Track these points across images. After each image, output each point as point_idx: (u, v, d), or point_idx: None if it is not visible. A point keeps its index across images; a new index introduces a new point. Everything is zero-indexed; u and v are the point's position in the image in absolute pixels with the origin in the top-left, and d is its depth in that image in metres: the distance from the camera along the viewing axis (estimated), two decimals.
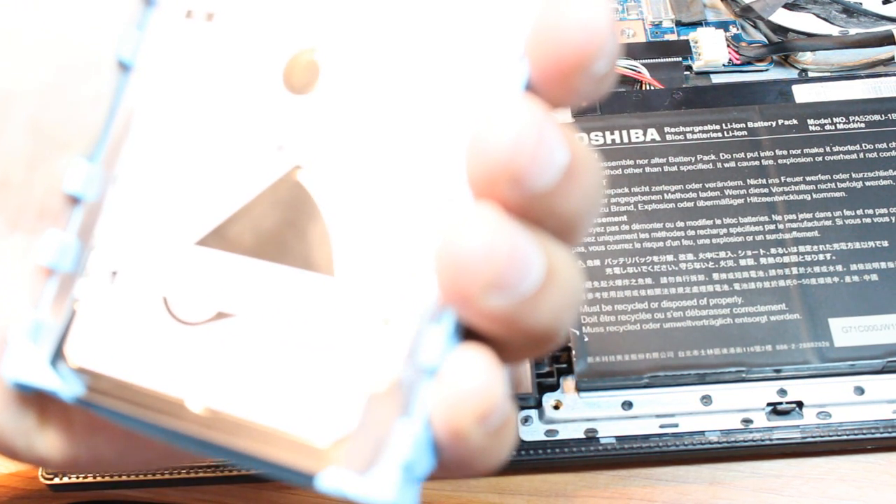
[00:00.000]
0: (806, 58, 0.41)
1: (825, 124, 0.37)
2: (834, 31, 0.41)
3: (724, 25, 0.42)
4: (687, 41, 0.42)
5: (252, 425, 0.17)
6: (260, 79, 0.19)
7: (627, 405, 0.33)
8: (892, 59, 0.41)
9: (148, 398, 0.18)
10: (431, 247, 0.16)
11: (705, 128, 0.37)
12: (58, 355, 0.19)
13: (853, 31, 0.41)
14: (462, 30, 0.17)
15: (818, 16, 0.42)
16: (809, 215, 0.35)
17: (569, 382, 0.33)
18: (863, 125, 0.37)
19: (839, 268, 0.34)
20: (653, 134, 0.37)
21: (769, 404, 0.32)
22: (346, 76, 0.18)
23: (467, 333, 0.17)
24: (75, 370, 0.19)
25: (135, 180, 0.20)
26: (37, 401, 0.20)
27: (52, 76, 0.20)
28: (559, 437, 0.32)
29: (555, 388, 0.33)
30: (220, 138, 0.19)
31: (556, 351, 0.33)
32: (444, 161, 0.17)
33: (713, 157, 0.36)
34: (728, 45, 0.41)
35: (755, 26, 0.42)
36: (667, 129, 0.37)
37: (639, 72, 0.40)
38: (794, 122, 0.37)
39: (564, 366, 0.33)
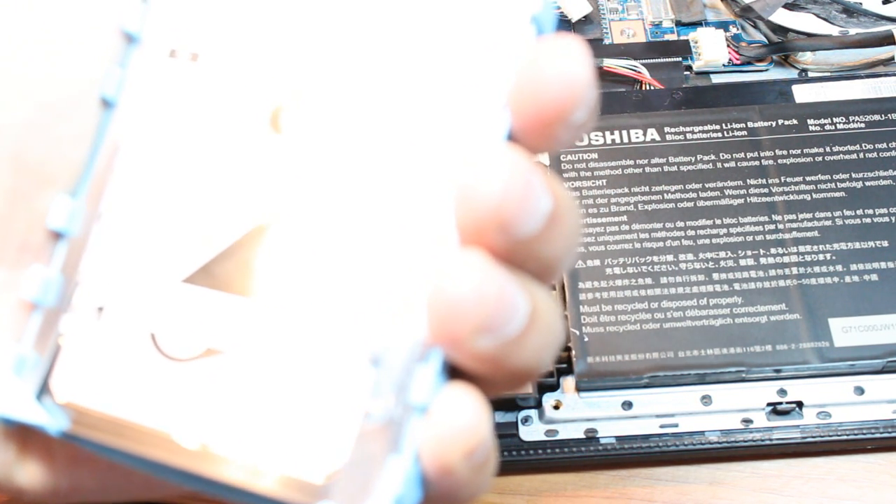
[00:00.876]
0: (806, 58, 0.41)
1: (825, 124, 0.37)
2: (834, 31, 0.41)
3: (724, 25, 0.42)
4: (687, 41, 0.42)
5: (241, 460, 0.17)
6: (245, 119, 0.19)
7: (627, 405, 0.33)
8: (892, 59, 0.41)
9: (136, 433, 0.18)
10: (418, 287, 0.17)
11: (705, 128, 0.37)
12: (43, 390, 0.19)
13: (853, 31, 0.41)
14: (446, 79, 0.18)
15: (818, 16, 0.42)
16: (809, 215, 0.35)
17: (569, 382, 0.33)
18: (863, 125, 0.37)
19: (839, 268, 0.34)
20: (653, 134, 0.37)
21: (769, 404, 0.32)
22: (333, 118, 0.18)
23: (452, 370, 0.17)
24: (61, 405, 0.19)
25: (120, 217, 0.20)
26: (18, 433, 0.20)
27: (34, 113, 0.20)
28: (559, 437, 0.32)
29: (555, 388, 0.33)
30: (204, 177, 0.19)
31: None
32: (430, 206, 0.17)
33: (713, 157, 0.36)
34: (728, 45, 0.41)
35: (755, 26, 0.42)
36: (667, 129, 0.37)
37: (639, 72, 0.40)
38: (794, 122, 0.37)
39: (564, 366, 0.33)
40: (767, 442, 0.32)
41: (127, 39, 0.20)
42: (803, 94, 0.38)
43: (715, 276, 0.34)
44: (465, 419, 0.16)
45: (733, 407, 0.32)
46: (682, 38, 0.42)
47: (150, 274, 0.19)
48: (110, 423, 0.18)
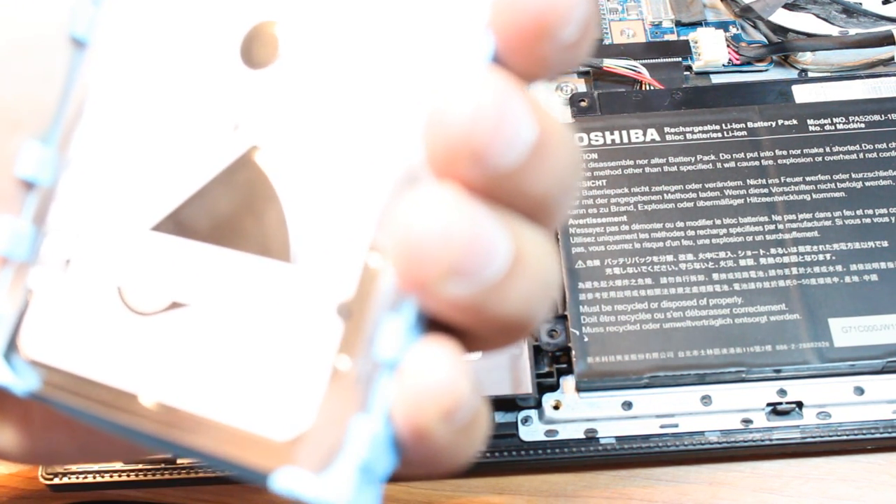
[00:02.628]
0: (806, 58, 0.41)
1: (825, 124, 0.37)
2: (834, 31, 0.41)
3: (724, 25, 0.42)
4: (687, 41, 0.42)
5: (206, 421, 0.16)
6: (216, 54, 0.18)
7: (627, 405, 0.33)
8: (892, 59, 0.41)
9: (102, 392, 0.17)
10: (389, 230, 0.15)
11: (705, 128, 0.37)
12: (11, 347, 0.18)
13: (853, 31, 0.41)
14: (424, 1, 0.16)
15: (818, 16, 0.42)
16: (809, 215, 0.35)
17: (569, 382, 0.33)
18: (863, 125, 0.37)
19: (839, 268, 0.34)
20: (653, 134, 0.37)
21: (769, 404, 0.32)
22: (305, 51, 0.17)
23: (433, 323, 0.16)
24: (29, 363, 0.18)
25: (88, 163, 0.19)
26: None
27: (0, 52, 0.18)
28: (559, 437, 0.32)
29: (555, 388, 0.33)
30: (175, 118, 0.18)
31: (556, 351, 0.33)
32: (405, 140, 0.16)
33: (713, 157, 0.36)
34: (728, 46, 0.41)
35: (755, 26, 0.42)
36: (667, 129, 0.37)
37: (639, 72, 0.40)
38: (794, 122, 0.37)
39: (564, 366, 0.33)
40: (767, 442, 0.32)
41: None
42: (803, 94, 0.38)
43: (715, 276, 0.34)
44: (440, 376, 0.15)
45: (733, 407, 0.32)
46: (682, 38, 0.42)
47: (118, 223, 0.18)
48: (76, 381, 0.18)
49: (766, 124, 0.37)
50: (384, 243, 0.15)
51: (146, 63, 0.19)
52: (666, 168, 0.36)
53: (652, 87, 0.40)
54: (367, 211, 0.16)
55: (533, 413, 0.33)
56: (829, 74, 0.40)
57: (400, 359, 0.15)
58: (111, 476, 0.33)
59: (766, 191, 0.35)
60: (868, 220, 0.34)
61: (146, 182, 0.18)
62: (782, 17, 0.41)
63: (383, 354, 0.15)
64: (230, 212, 0.17)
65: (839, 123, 0.37)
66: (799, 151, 0.36)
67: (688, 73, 0.41)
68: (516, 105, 0.15)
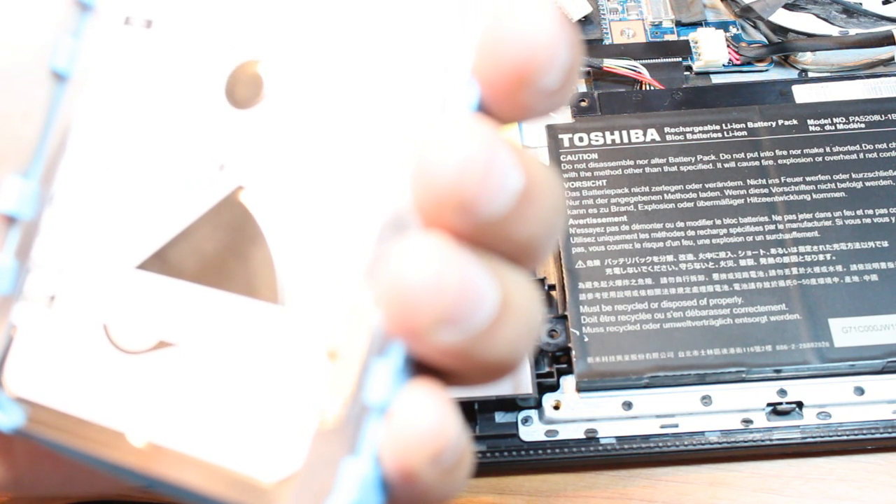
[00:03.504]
0: (806, 58, 0.41)
1: (825, 124, 0.37)
2: (834, 31, 0.41)
3: (724, 25, 0.42)
4: (687, 41, 0.42)
5: (196, 461, 0.16)
6: (201, 92, 0.18)
7: (627, 405, 0.33)
8: (892, 59, 0.41)
9: (88, 430, 0.17)
10: (378, 277, 0.16)
11: (705, 128, 0.37)
12: None
13: (853, 31, 0.41)
14: (410, 46, 0.16)
15: (818, 16, 0.42)
16: (809, 215, 0.35)
17: (569, 382, 0.33)
18: (863, 125, 0.37)
19: (839, 268, 0.34)
20: (653, 134, 0.37)
21: (769, 404, 0.32)
22: (291, 92, 0.17)
23: (419, 365, 0.16)
24: (14, 399, 0.18)
25: (73, 199, 0.19)
26: None
27: None
28: (559, 437, 0.32)
29: (555, 388, 0.33)
30: (160, 155, 0.18)
31: (556, 351, 0.33)
32: (392, 185, 0.16)
33: (713, 157, 0.36)
34: (728, 46, 0.41)
35: (755, 26, 0.42)
36: (667, 130, 0.37)
37: (639, 72, 0.40)
38: (794, 122, 0.37)
39: (564, 366, 0.33)
40: (767, 442, 0.32)
41: (80, 7, 0.19)
42: (803, 94, 0.38)
43: (715, 276, 0.34)
44: (428, 421, 0.15)
45: (733, 407, 0.32)
46: (682, 38, 0.42)
47: (104, 259, 0.18)
48: (62, 419, 0.18)
49: (766, 124, 0.37)
50: (372, 288, 0.16)
51: (132, 100, 0.19)
52: (666, 168, 0.36)
53: (652, 87, 0.40)
54: (354, 254, 0.16)
55: (533, 413, 0.33)
56: (829, 74, 0.40)
57: (388, 402, 0.15)
58: None
59: (766, 191, 0.35)
60: (868, 220, 0.34)
61: (132, 219, 0.18)
62: (782, 17, 0.41)
63: (372, 398, 0.15)
64: (217, 252, 0.17)
65: (839, 123, 0.37)
66: (799, 151, 0.36)
67: (688, 73, 0.41)
68: (502, 154, 0.15)
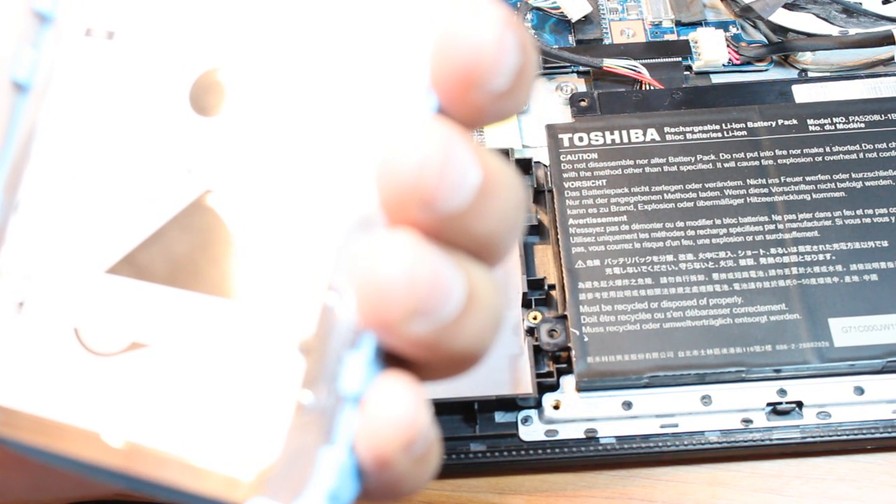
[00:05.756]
0: (806, 58, 0.41)
1: (825, 124, 0.37)
2: (834, 31, 0.41)
3: (723, 25, 0.42)
4: (687, 41, 0.42)
5: (171, 457, 0.17)
6: (166, 100, 0.18)
7: (627, 405, 0.33)
8: (892, 59, 0.41)
9: (63, 432, 0.17)
10: (347, 271, 0.16)
11: (705, 128, 0.37)
12: None
13: (853, 31, 0.41)
14: (372, 50, 0.17)
15: (818, 16, 0.42)
16: (809, 215, 0.35)
17: (569, 382, 0.33)
18: (863, 125, 0.37)
19: (839, 268, 0.34)
20: (653, 134, 0.37)
21: (769, 404, 0.32)
22: (254, 97, 0.18)
23: (390, 357, 0.17)
24: None
25: (40, 206, 0.19)
26: None
27: None
28: (559, 437, 0.32)
29: (555, 388, 0.33)
30: (126, 162, 0.18)
31: (556, 351, 0.33)
32: (355, 182, 0.17)
33: (713, 157, 0.36)
34: (728, 45, 0.41)
35: (755, 26, 0.42)
36: (667, 129, 0.37)
37: (639, 72, 0.40)
38: (794, 122, 0.37)
39: (564, 366, 0.33)
40: (767, 442, 0.32)
41: (40, 19, 0.19)
42: (803, 94, 0.38)
43: (715, 276, 0.34)
44: (401, 410, 0.16)
45: (733, 407, 0.32)
46: (682, 38, 0.42)
47: (72, 265, 0.18)
48: (35, 422, 0.18)
49: (766, 124, 0.37)
50: (342, 283, 0.16)
51: (98, 109, 0.19)
52: (666, 168, 0.36)
53: (652, 87, 0.40)
54: (323, 252, 0.16)
55: (533, 413, 0.33)
56: (829, 74, 0.40)
57: (361, 392, 0.16)
58: None
59: (766, 191, 0.35)
60: (868, 220, 0.34)
61: (100, 225, 0.18)
62: (782, 17, 0.41)
63: (346, 388, 0.16)
64: (187, 254, 0.18)
65: (839, 123, 0.37)
66: (799, 151, 0.36)
67: (688, 72, 0.41)
68: (460, 151, 0.16)
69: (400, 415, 0.16)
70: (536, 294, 0.35)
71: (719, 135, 0.37)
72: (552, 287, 0.35)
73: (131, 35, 0.19)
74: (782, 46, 0.41)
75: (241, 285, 0.17)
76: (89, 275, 0.18)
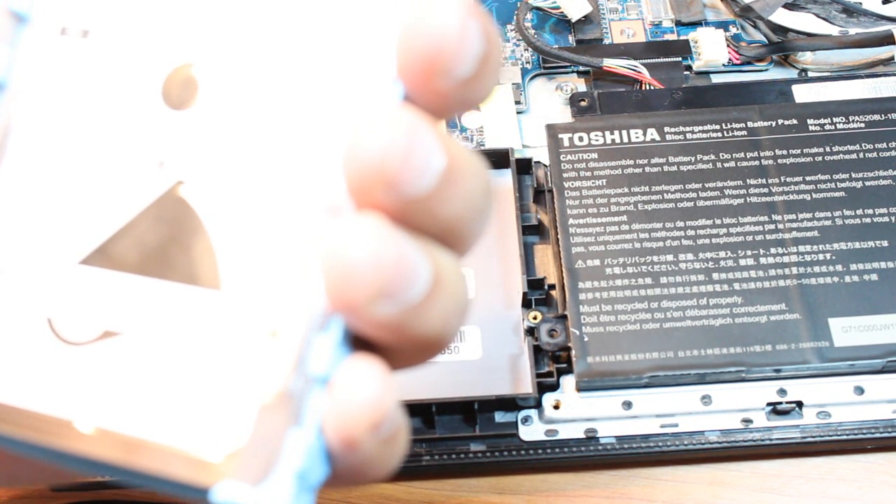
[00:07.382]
0: (806, 58, 0.41)
1: (825, 124, 0.37)
2: (834, 31, 0.41)
3: (723, 25, 0.42)
4: (687, 41, 0.42)
5: (143, 443, 0.17)
6: (138, 95, 0.19)
7: (627, 405, 0.33)
8: (892, 59, 0.41)
9: (35, 420, 0.18)
10: (315, 256, 0.16)
11: (705, 128, 0.37)
12: None
13: (853, 31, 0.41)
14: (340, 42, 0.17)
15: (818, 16, 0.42)
16: (809, 215, 0.35)
17: (569, 382, 0.33)
18: (863, 125, 0.37)
19: (839, 268, 0.34)
20: (653, 134, 0.37)
21: (769, 404, 0.32)
22: (225, 91, 0.18)
23: (356, 341, 0.17)
24: None
25: (12, 199, 0.19)
26: None
27: None
28: (559, 437, 0.32)
29: (555, 388, 0.33)
30: (100, 155, 0.19)
31: (556, 351, 0.33)
32: (323, 171, 0.17)
33: (713, 157, 0.36)
34: (728, 45, 0.41)
35: (755, 26, 0.42)
36: (667, 129, 0.37)
37: (639, 71, 0.40)
38: (794, 121, 0.37)
39: (564, 366, 0.33)
40: (767, 442, 0.32)
41: (15, 19, 0.20)
42: (803, 94, 0.38)
43: (715, 276, 0.34)
44: (369, 392, 0.16)
45: (733, 407, 0.32)
46: (682, 38, 0.42)
47: (46, 257, 0.19)
48: (8, 411, 0.18)
49: (766, 124, 0.37)
50: (310, 268, 0.16)
51: (71, 105, 0.19)
52: (666, 168, 0.36)
53: (652, 87, 0.40)
54: (291, 238, 0.17)
55: (533, 413, 0.33)
56: (829, 74, 0.40)
57: (330, 374, 0.16)
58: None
59: (766, 190, 0.35)
60: (868, 220, 0.34)
61: (73, 218, 0.19)
62: (782, 17, 0.41)
63: (314, 371, 0.16)
64: (159, 244, 0.18)
65: (839, 123, 0.37)
66: (799, 151, 0.36)
67: (688, 72, 0.41)
68: (424, 136, 0.16)
69: (367, 396, 0.16)
70: (536, 294, 0.35)
71: (719, 135, 0.37)
72: (552, 287, 0.35)
73: (106, 34, 0.19)
74: (782, 46, 0.41)
75: (211, 273, 0.17)
76: (62, 266, 0.18)
